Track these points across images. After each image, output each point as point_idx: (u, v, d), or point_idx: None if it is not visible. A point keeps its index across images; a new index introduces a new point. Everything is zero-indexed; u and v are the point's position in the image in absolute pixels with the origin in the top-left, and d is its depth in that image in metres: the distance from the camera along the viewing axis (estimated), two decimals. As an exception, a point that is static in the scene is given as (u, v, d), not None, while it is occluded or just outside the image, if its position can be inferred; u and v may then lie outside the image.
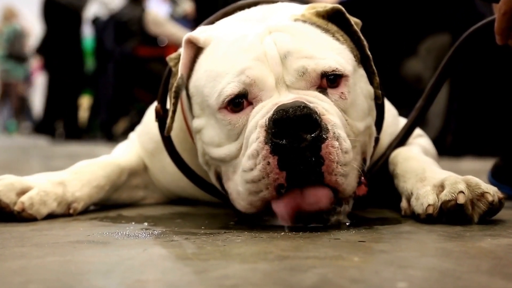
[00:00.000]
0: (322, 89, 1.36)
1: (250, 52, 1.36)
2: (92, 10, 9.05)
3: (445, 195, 1.32)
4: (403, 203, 1.48)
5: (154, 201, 1.88)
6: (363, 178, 1.40)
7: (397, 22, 4.69)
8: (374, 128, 1.51)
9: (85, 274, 0.95)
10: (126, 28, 7.70)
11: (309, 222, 1.30)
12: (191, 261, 1.04)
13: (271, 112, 1.26)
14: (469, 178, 1.34)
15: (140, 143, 1.84)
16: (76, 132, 8.96)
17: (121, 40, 7.73)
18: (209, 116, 1.42)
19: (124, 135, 3.19)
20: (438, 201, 1.33)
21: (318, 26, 1.42)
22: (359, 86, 1.43)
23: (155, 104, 1.65)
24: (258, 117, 1.31)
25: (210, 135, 1.42)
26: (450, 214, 1.32)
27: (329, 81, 1.36)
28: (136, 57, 7.53)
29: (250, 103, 1.35)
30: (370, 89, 1.47)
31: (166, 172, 1.77)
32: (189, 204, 1.80)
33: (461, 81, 4.25)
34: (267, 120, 1.26)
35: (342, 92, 1.37)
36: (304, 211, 1.27)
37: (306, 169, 1.23)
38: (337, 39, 1.42)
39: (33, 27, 12.50)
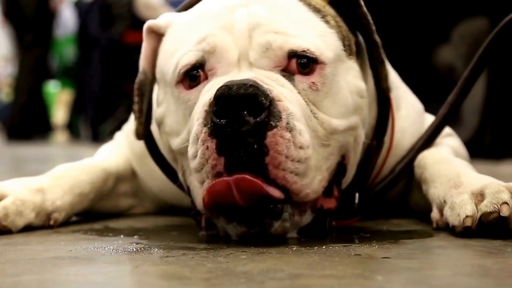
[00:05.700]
0: (289, 74, 1.36)
1: (216, 20, 1.39)
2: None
3: (485, 206, 1.31)
4: (434, 213, 1.48)
5: (145, 210, 1.88)
6: (335, 188, 1.40)
7: (428, 3, 4.68)
8: (361, 132, 1.46)
9: (67, 295, 0.96)
10: (112, 11, 7.70)
11: (243, 221, 1.29)
12: (189, 280, 1.04)
13: (215, 89, 1.27)
14: None
15: (128, 144, 1.84)
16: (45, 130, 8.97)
17: (107, 25, 7.73)
18: (169, 99, 1.46)
19: (111, 134, 3.19)
20: (478, 212, 1.33)
21: (309, 5, 1.42)
22: (343, 79, 1.41)
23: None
24: (207, 95, 1.32)
25: (169, 122, 1.46)
26: (491, 228, 1.32)
27: (301, 66, 1.35)
28: (125, 44, 7.52)
29: (207, 77, 1.37)
30: (360, 86, 1.44)
31: (156, 177, 1.75)
32: (186, 215, 1.80)
33: (501, 73, 4.23)
34: (210, 98, 1.28)
35: (313, 82, 1.36)
36: (236, 203, 1.25)
37: (246, 156, 1.24)
38: (326, 22, 1.42)
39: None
